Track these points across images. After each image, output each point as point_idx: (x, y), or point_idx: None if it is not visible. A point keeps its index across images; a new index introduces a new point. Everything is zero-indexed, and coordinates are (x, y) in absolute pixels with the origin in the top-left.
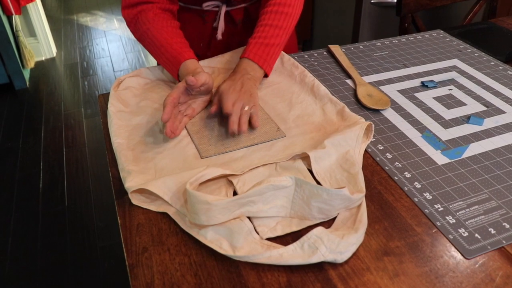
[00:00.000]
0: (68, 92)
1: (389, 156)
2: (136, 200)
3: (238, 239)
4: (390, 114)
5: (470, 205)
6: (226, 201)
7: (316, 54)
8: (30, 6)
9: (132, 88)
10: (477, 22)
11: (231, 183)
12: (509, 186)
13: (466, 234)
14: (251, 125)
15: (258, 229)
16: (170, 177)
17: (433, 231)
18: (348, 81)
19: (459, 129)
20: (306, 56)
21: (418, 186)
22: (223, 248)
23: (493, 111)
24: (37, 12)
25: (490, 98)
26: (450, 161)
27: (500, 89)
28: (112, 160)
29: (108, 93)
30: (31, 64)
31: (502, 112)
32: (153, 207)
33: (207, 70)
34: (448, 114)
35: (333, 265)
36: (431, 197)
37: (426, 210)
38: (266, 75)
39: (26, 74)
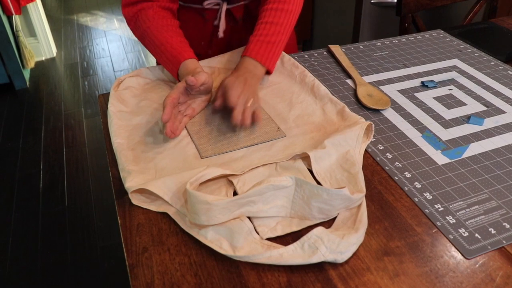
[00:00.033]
0: (68, 92)
1: (389, 156)
2: (136, 200)
3: (238, 239)
4: (390, 114)
5: (470, 205)
6: (226, 201)
7: (316, 54)
8: (30, 6)
9: (132, 88)
10: (478, 22)
11: (231, 183)
12: (509, 186)
13: (466, 234)
14: (253, 120)
15: (258, 229)
16: (170, 177)
17: (433, 231)
18: (348, 81)
19: (459, 129)
20: (306, 56)
21: (418, 186)
22: (223, 248)
23: (493, 111)
24: (37, 12)
25: (490, 98)
26: (450, 161)
27: (500, 89)
28: (112, 160)
29: (108, 93)
30: (31, 64)
31: (502, 112)
32: (153, 207)
33: (207, 70)
34: (448, 114)
35: (333, 265)
36: (431, 197)
37: (426, 210)
38: (268, 73)
39: (26, 74)
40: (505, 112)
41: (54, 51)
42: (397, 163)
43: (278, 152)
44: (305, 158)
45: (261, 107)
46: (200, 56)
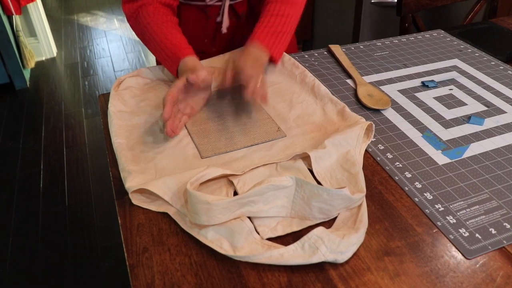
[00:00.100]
0: (69, 92)
1: (389, 156)
2: (136, 200)
3: (239, 239)
4: (390, 114)
5: (471, 205)
6: (226, 201)
7: (316, 54)
8: (30, 6)
9: (132, 88)
10: (478, 22)
11: (231, 183)
12: (509, 186)
13: (466, 234)
14: (261, 101)
15: (258, 229)
16: (170, 177)
17: (434, 231)
18: (349, 81)
19: (460, 129)
20: (306, 56)
21: (419, 186)
22: (224, 248)
23: (494, 111)
24: (37, 12)
25: (490, 98)
26: (450, 161)
27: (501, 89)
28: (112, 160)
29: (109, 93)
30: (31, 64)
31: (503, 112)
32: (154, 207)
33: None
34: (449, 114)
35: (333, 265)
36: (431, 197)
37: (426, 210)
38: (274, 62)
39: (27, 74)
40: (505, 112)
41: (54, 51)
42: (397, 163)
43: (278, 152)
44: (306, 158)
45: (261, 107)
46: (204, 54)
